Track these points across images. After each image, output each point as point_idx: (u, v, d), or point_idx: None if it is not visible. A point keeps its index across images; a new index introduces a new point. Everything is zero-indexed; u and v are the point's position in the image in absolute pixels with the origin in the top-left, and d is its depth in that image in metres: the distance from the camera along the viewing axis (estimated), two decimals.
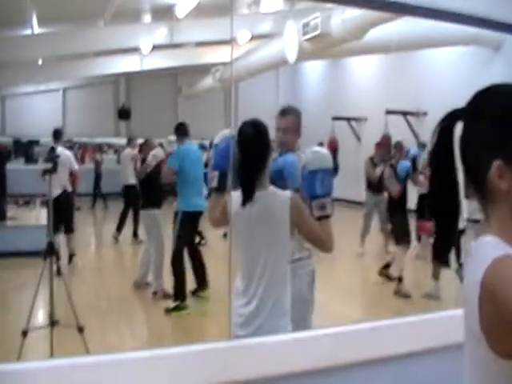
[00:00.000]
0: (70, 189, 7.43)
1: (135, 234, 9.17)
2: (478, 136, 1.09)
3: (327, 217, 2.33)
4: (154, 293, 6.14)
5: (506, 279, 0.97)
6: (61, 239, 7.11)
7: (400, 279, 6.31)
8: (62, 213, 6.60)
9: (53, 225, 4.56)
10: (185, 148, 5.93)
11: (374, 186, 7.96)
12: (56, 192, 6.38)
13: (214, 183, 2.44)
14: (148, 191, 6.37)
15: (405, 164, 6.74)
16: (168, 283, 5.89)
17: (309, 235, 2.34)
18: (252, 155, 2.27)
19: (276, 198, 2.28)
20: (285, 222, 2.24)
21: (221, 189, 2.45)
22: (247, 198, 2.25)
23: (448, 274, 5.91)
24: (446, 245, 1.16)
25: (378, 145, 8.37)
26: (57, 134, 7.50)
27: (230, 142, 2.42)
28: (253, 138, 2.29)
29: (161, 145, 8.95)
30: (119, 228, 9.36)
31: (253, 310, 2.26)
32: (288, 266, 2.33)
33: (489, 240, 1.07)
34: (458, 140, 1.14)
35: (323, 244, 2.34)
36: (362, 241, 8.20)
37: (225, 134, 2.48)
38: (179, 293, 5.65)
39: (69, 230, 7.45)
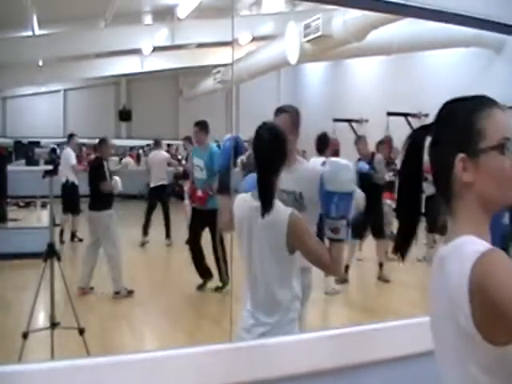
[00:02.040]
0: (72, 178, 8.86)
1: (168, 235, 9.02)
2: (445, 138, 1.19)
3: (340, 240, 2.16)
4: (117, 292, 6.11)
5: (494, 269, 1.01)
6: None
7: (381, 265, 6.94)
8: (69, 197, 8.53)
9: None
10: (216, 148, 6.31)
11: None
12: (62, 180, 8.43)
13: (216, 185, 2.45)
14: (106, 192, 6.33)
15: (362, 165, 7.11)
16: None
17: (308, 256, 2.21)
18: (270, 164, 2.18)
19: (277, 213, 2.17)
20: (281, 238, 2.15)
21: (221, 190, 2.43)
22: (267, 209, 2.14)
23: None
24: (406, 242, 1.26)
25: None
26: (69, 138, 9.68)
27: (230, 143, 2.40)
28: (272, 146, 2.19)
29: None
30: (145, 231, 8.97)
31: (260, 318, 2.22)
32: (292, 275, 2.26)
33: (465, 239, 1.11)
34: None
35: (325, 267, 2.24)
36: None
37: (227, 137, 2.48)
38: (225, 274, 6.12)
39: (74, 211, 8.88)
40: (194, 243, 6.42)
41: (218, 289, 6.27)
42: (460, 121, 1.17)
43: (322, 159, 6.33)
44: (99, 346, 4.33)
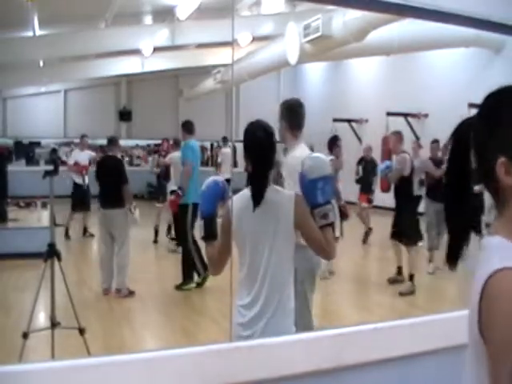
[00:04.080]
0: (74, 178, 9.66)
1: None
2: (486, 137, 1.11)
3: (329, 225, 2.29)
4: (118, 290, 6.19)
5: (496, 300, 1.00)
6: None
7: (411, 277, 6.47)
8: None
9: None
10: (193, 143, 6.69)
11: (434, 190, 7.16)
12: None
13: (202, 232, 2.40)
14: (122, 190, 6.37)
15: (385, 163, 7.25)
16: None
17: (310, 237, 2.30)
18: (264, 161, 2.26)
19: (281, 195, 2.27)
20: (289, 219, 2.23)
21: (208, 237, 2.40)
22: (257, 203, 2.23)
23: None
24: (457, 251, 1.18)
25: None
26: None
27: (211, 187, 2.39)
28: (266, 142, 2.27)
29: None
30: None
31: (257, 312, 2.23)
32: (292, 265, 2.30)
33: (497, 243, 1.08)
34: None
35: (323, 249, 2.31)
36: (430, 256, 7.31)
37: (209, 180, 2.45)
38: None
39: (85, 208, 9.60)
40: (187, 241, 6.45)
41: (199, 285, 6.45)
42: (503, 118, 1.09)
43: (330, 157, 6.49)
44: (100, 346, 4.34)
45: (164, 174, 9.20)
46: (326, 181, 2.30)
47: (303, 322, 3.17)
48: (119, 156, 7.20)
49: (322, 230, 2.27)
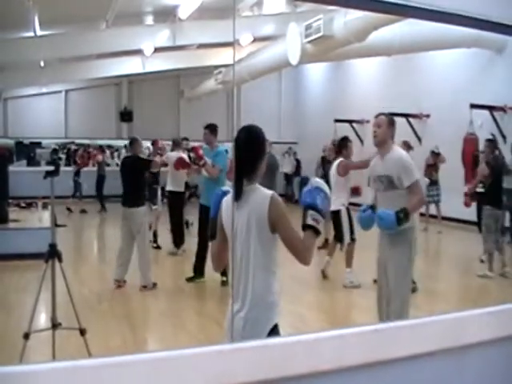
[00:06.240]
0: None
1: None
2: None
3: (316, 232, 2.37)
4: (144, 286, 6.49)
5: None
6: None
7: None
8: None
9: None
10: (226, 150, 6.87)
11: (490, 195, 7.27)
12: None
13: (208, 232, 2.62)
14: (144, 189, 6.72)
15: None
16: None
17: (285, 237, 2.36)
18: (244, 159, 2.40)
19: (259, 194, 2.38)
20: (263, 216, 2.33)
21: (211, 236, 2.59)
22: (236, 198, 2.37)
23: None
24: None
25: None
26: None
27: (219, 195, 2.59)
28: (245, 143, 2.42)
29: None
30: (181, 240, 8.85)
31: (239, 300, 2.35)
32: (270, 259, 2.38)
33: None
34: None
35: (299, 252, 2.35)
36: (490, 261, 7.29)
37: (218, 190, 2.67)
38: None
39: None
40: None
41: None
42: None
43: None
44: (100, 347, 4.34)
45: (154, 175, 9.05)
46: (327, 197, 2.44)
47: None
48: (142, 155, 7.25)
49: (306, 232, 2.37)
